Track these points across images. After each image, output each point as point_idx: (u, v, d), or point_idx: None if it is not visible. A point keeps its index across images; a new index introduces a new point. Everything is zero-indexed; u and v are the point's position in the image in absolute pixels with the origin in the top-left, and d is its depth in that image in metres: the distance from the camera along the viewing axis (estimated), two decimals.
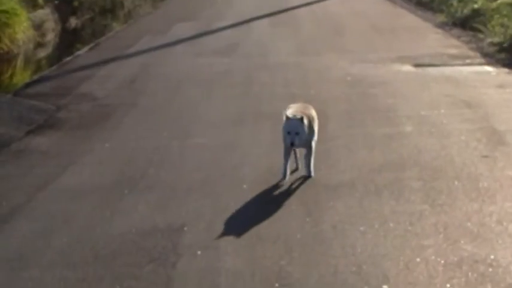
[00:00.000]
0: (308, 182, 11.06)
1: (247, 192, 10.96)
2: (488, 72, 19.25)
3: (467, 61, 20.82)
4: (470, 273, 8.01)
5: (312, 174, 10.36)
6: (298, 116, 9.27)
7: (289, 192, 10.66)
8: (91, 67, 22.10)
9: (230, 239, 9.09)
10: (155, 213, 9.98)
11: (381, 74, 19.33)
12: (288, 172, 10.33)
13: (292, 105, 10.34)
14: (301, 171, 11.19)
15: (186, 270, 8.29)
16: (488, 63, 20.35)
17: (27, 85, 20.20)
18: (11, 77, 22.46)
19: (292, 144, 9.53)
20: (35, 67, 24.17)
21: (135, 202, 10.52)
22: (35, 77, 21.98)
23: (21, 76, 22.44)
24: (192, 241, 9.24)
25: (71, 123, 15.22)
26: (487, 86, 17.59)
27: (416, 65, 20.51)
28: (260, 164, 12.15)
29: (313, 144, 10.12)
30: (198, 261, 8.56)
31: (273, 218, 9.85)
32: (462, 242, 8.92)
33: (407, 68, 20.14)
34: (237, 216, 9.95)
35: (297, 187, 10.87)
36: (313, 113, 10.54)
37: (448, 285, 7.72)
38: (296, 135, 9.22)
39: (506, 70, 19.27)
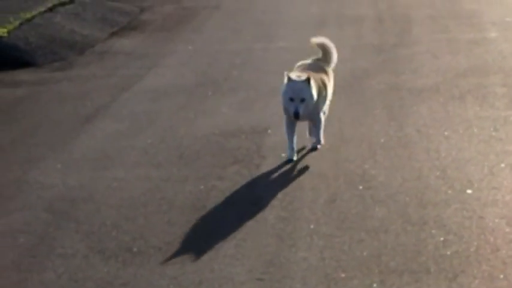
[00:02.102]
0: (392, 85, 11.02)
1: (342, 96, 10.60)
2: None
3: None
4: None
5: (322, 142, 8.03)
6: (304, 77, 7.07)
7: (373, 96, 10.55)
8: None
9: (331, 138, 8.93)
10: (239, 115, 9.94)
11: None
12: (295, 152, 8.08)
13: (301, 63, 8.28)
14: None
15: (270, 171, 8.29)
16: None
17: None
18: None
19: (296, 115, 7.26)
20: None
21: (218, 104, 10.50)
22: None
23: None
24: (276, 143, 9.19)
25: (154, 25, 15.28)
26: None
27: None
28: (344, 68, 11.64)
29: (322, 116, 7.82)
30: (282, 164, 8.54)
31: (357, 121, 9.77)
32: None
33: None
34: (333, 120, 9.61)
35: (381, 90, 10.76)
36: (325, 76, 7.99)
37: None
38: (301, 102, 7.09)
39: None
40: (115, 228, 7.26)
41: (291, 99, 7.18)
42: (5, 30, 12.62)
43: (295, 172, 8.10)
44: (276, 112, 9.06)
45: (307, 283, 6.35)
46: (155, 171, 8.52)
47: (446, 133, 9.23)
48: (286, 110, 7.48)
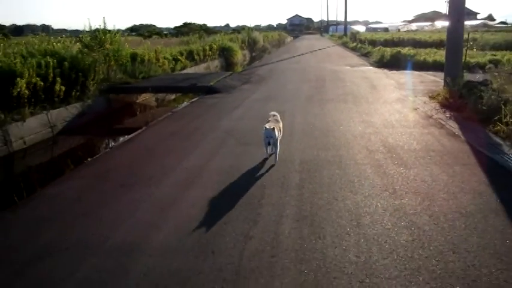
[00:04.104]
0: (320, 98, 10.87)
1: (303, 101, 10.51)
2: (371, 69, 18.24)
3: (366, 66, 19.84)
4: (365, 124, 7.80)
5: (277, 160, 5.90)
6: (272, 127, 5.70)
7: (314, 101, 10.47)
8: (259, 67, 21.43)
9: (298, 112, 8.92)
10: (278, 107, 9.60)
11: (340, 69, 18.35)
12: (268, 154, 6.07)
13: (270, 119, 6.26)
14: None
15: (289, 122, 8.07)
16: (372, 66, 19.38)
17: (242, 71, 19.61)
18: (236, 68, 22.57)
19: (268, 144, 5.77)
20: (243, 66, 24.04)
21: (270, 103, 10.24)
22: (243, 69, 21.42)
23: (239, 68, 22.52)
24: (290, 112, 9.02)
25: (253, 81, 14.86)
26: (371, 72, 16.68)
27: (351, 66, 19.51)
28: (307, 94, 11.63)
29: (278, 144, 5.92)
30: (289, 118, 8.41)
31: (310, 109, 9.60)
32: (364, 115, 8.61)
33: (348, 67, 19.10)
34: (300, 107, 9.63)
35: (317, 100, 10.67)
36: (280, 125, 6.29)
37: (359, 127, 7.60)
38: (271, 138, 5.70)
39: (377, 68, 18.23)
40: (243, 137, 7.24)
41: (266, 137, 5.68)
42: (212, 83, 12.69)
43: (291, 121, 8.02)
44: (287, 106, 9.13)
45: (297, 149, 6.39)
46: (254, 121, 8.30)
47: (337, 112, 9.05)
48: (264, 141, 5.79)
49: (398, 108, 9.33)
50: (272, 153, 5.97)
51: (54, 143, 9.02)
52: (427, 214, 4.21)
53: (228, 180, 5.24)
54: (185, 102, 11.92)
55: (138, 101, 13.15)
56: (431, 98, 10.14)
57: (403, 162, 5.73)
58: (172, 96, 14.40)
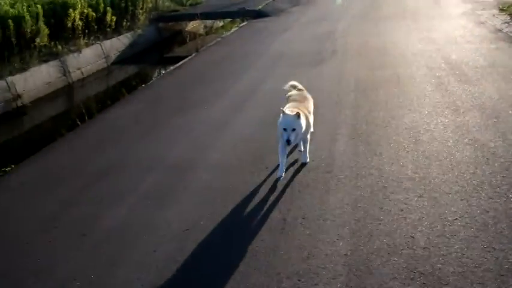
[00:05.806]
0: (375, 15, 10.10)
1: (357, 20, 10.05)
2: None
3: None
4: (425, 41, 7.13)
5: (308, 160, 3.63)
6: (294, 112, 3.19)
7: (368, 19, 9.83)
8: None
9: (351, 32, 8.44)
10: (330, 27, 9.27)
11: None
12: (284, 169, 3.42)
13: (292, 93, 3.83)
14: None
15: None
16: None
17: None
18: None
19: (288, 142, 3.17)
20: None
21: (322, 24, 9.76)
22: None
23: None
24: (342, 31, 8.57)
25: (303, 3, 13.89)
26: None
27: None
28: (360, 12, 11.04)
29: (308, 136, 3.57)
30: (341, 39, 7.97)
31: (366, 26, 9.14)
32: (424, 32, 7.99)
33: None
34: (354, 26, 9.17)
35: (373, 18, 10.00)
36: (310, 103, 3.72)
37: (419, 45, 7.00)
38: (292, 131, 3.16)
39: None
40: (293, 59, 6.95)
41: (285, 129, 3.19)
42: (261, 7, 12.34)
43: (345, 44, 7.56)
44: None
45: (351, 68, 6.10)
46: (305, 44, 7.80)
47: (394, 30, 8.49)
48: (281, 137, 3.28)
49: (463, 23, 8.51)
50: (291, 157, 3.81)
51: (109, 73, 9.34)
52: (492, 131, 3.92)
53: (280, 102, 5.09)
54: (234, 28, 11.55)
55: (186, 29, 12.99)
56: (502, 10, 9.19)
57: (468, 79, 5.29)
58: (221, 23, 14.12)
